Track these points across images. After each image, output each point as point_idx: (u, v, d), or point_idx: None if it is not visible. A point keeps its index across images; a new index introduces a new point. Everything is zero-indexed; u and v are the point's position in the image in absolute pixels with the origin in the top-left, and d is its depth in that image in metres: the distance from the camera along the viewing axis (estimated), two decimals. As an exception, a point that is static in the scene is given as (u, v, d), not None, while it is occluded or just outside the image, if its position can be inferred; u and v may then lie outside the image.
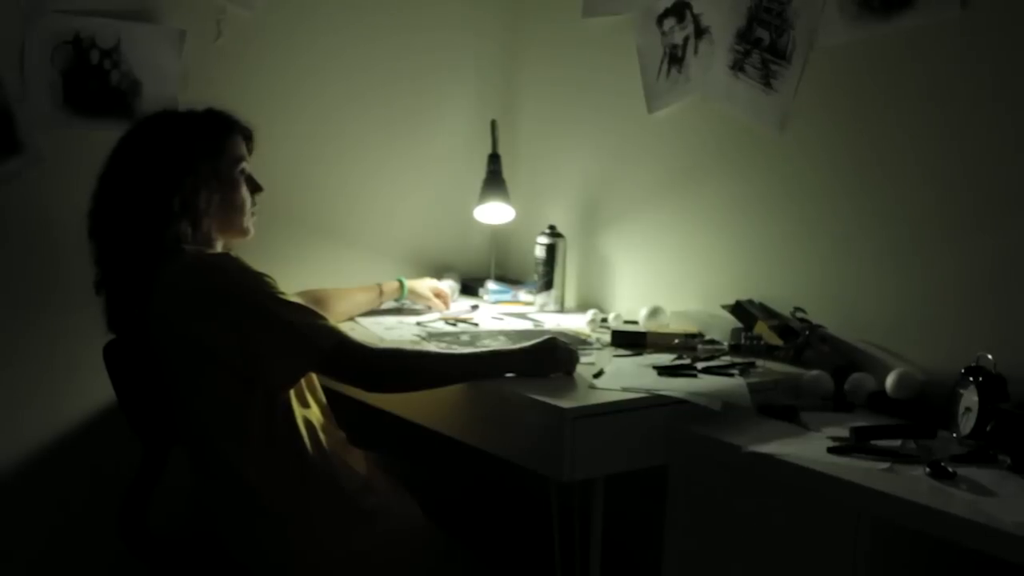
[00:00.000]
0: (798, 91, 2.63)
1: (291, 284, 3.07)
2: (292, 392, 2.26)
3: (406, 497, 2.40)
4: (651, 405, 2.26)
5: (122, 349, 2.34)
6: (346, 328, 2.79)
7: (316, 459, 2.27)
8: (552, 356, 2.35)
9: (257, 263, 2.98)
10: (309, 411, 2.32)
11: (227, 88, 2.98)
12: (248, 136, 2.45)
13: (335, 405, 2.53)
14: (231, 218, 2.38)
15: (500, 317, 3.07)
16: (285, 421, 2.24)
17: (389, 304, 3.08)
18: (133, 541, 2.35)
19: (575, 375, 2.36)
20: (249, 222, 2.44)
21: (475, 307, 3.16)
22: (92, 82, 2.79)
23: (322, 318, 2.21)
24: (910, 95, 2.43)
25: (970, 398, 2.14)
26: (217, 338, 2.14)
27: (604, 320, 2.95)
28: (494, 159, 3.30)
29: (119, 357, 2.34)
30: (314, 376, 2.39)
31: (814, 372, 2.44)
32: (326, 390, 2.46)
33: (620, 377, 2.39)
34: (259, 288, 2.18)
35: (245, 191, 2.41)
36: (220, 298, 2.17)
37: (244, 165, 2.41)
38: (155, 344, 2.23)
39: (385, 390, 2.36)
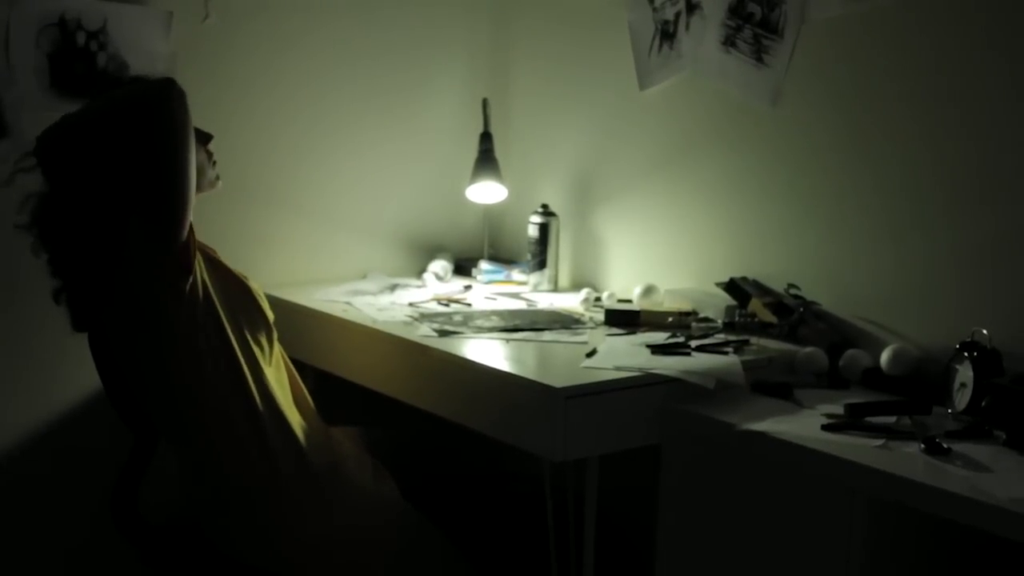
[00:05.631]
0: (791, 66, 2.61)
1: (282, 267, 3.09)
2: (243, 356, 2.25)
3: (383, 477, 2.39)
4: (645, 384, 2.25)
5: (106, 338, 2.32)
6: (338, 309, 2.79)
7: (280, 435, 2.27)
8: None
9: (247, 245, 2.99)
10: (269, 385, 2.30)
11: (215, 69, 2.96)
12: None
13: (325, 386, 2.53)
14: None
15: (493, 297, 3.05)
16: (232, 374, 2.23)
17: None
18: (125, 526, 2.35)
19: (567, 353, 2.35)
20: (212, 174, 2.38)
21: (468, 287, 3.14)
22: (79, 64, 2.76)
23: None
24: (906, 68, 2.41)
25: (965, 373, 2.13)
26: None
27: (598, 299, 2.94)
28: (486, 138, 3.27)
29: (105, 346, 2.32)
30: (279, 354, 2.39)
31: (808, 349, 2.43)
32: (317, 372, 2.45)
33: (613, 356, 2.38)
34: None
35: (197, 148, 2.26)
36: None
37: None
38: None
39: None
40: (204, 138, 2.35)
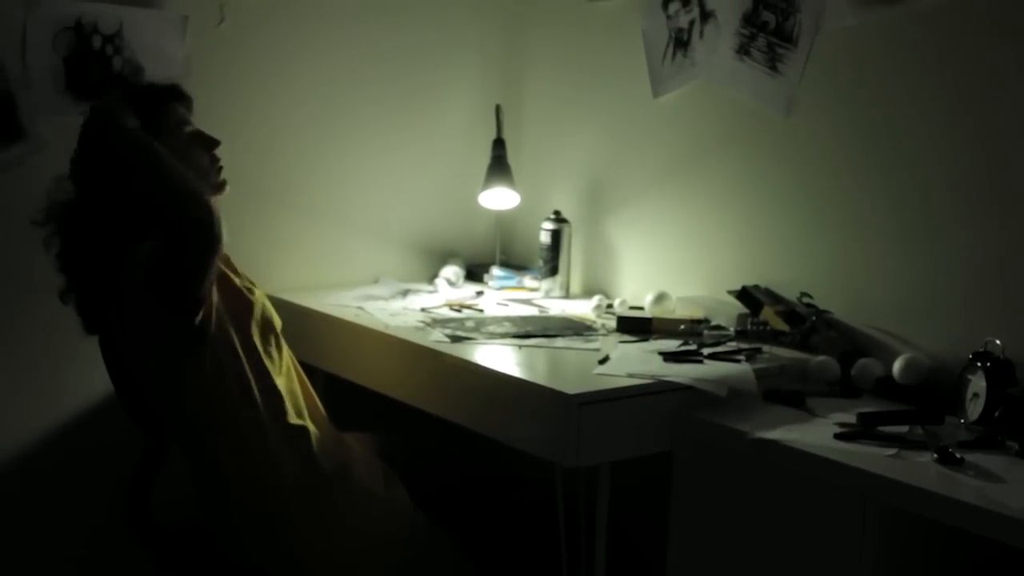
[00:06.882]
0: (804, 75, 2.61)
1: (294, 270, 3.10)
2: (247, 361, 2.25)
3: (394, 482, 2.39)
4: (657, 391, 2.25)
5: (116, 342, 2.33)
6: (350, 314, 2.79)
7: (286, 441, 2.27)
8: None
9: (260, 249, 2.99)
10: (277, 392, 2.30)
11: (229, 73, 2.97)
12: (180, 96, 2.36)
13: (336, 390, 2.53)
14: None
15: (505, 303, 3.05)
16: (244, 394, 2.23)
17: None
18: (136, 527, 2.35)
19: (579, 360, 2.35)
20: (216, 179, 2.36)
21: (480, 293, 3.15)
22: (94, 68, 2.77)
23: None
24: (920, 77, 2.41)
25: (978, 384, 2.13)
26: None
27: (609, 306, 2.94)
28: (499, 144, 3.28)
29: (115, 350, 2.33)
30: (288, 356, 2.39)
31: (820, 357, 2.43)
32: (328, 376, 2.45)
33: (626, 363, 2.38)
34: None
35: (199, 152, 2.31)
36: None
37: (187, 128, 2.32)
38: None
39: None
40: (209, 143, 2.35)
